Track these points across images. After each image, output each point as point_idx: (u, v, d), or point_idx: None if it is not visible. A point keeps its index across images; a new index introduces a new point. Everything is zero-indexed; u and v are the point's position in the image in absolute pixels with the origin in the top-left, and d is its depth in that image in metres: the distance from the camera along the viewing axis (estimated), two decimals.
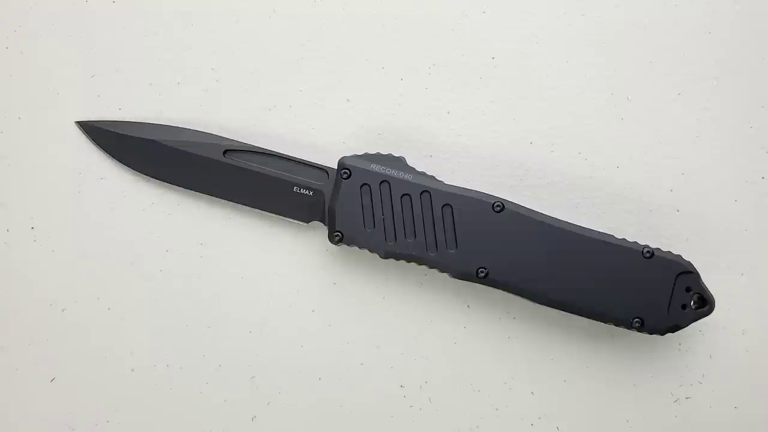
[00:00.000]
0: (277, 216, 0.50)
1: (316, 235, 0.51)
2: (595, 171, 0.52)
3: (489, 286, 0.48)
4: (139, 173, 0.51)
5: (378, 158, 0.48)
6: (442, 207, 0.48)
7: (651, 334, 0.48)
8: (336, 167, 0.49)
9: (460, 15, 0.53)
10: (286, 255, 0.51)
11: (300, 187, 0.50)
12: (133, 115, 0.52)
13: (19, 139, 0.51)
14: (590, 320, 0.48)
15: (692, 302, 0.48)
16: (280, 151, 0.50)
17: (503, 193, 0.49)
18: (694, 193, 0.52)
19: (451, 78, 0.52)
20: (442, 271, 0.48)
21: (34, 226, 0.51)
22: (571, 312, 0.48)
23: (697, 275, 0.48)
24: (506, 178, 0.51)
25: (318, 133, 0.52)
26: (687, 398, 0.51)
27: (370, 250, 0.48)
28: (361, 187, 0.48)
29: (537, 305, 0.48)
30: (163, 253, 0.51)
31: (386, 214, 0.48)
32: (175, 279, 0.51)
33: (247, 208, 0.51)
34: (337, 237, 0.48)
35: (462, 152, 0.52)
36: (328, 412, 0.50)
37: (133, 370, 0.51)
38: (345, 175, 0.48)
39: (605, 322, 0.48)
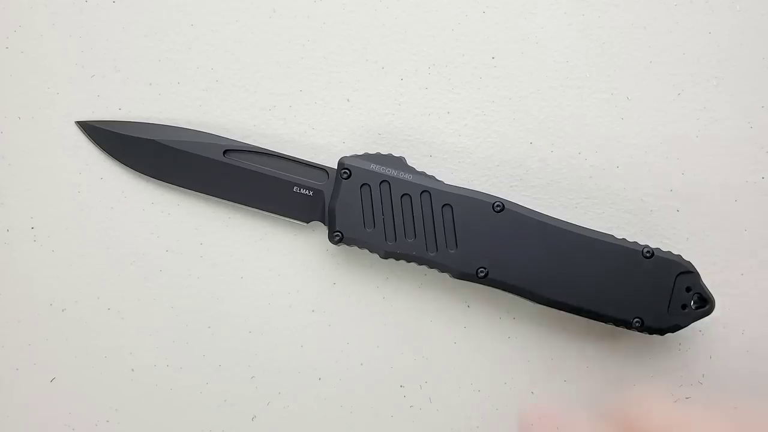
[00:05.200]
0: (277, 216, 0.50)
1: (316, 235, 0.51)
2: (595, 171, 0.52)
3: (489, 286, 0.48)
4: (139, 173, 0.51)
5: (378, 158, 0.48)
6: (442, 207, 0.48)
7: (651, 334, 0.48)
8: (336, 167, 0.49)
9: (460, 15, 0.53)
10: (286, 255, 0.51)
11: (300, 187, 0.50)
12: (133, 115, 0.52)
13: (19, 139, 0.51)
14: (590, 320, 0.48)
15: (692, 302, 0.48)
16: (280, 151, 0.50)
17: (503, 193, 0.49)
18: (694, 193, 0.52)
19: (451, 78, 0.52)
20: (442, 271, 0.48)
21: (34, 226, 0.51)
22: (571, 312, 0.48)
23: (697, 275, 0.48)
24: (506, 178, 0.51)
25: (318, 133, 0.52)
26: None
27: (370, 250, 0.48)
28: (361, 187, 0.48)
29: (537, 305, 0.48)
30: (163, 253, 0.51)
31: (386, 214, 0.48)
32: (175, 279, 0.51)
33: (247, 208, 0.51)
34: (337, 237, 0.48)
35: (462, 152, 0.52)
36: (328, 412, 0.50)
37: (133, 370, 0.51)
38: (345, 175, 0.48)
39: (605, 322, 0.48)
